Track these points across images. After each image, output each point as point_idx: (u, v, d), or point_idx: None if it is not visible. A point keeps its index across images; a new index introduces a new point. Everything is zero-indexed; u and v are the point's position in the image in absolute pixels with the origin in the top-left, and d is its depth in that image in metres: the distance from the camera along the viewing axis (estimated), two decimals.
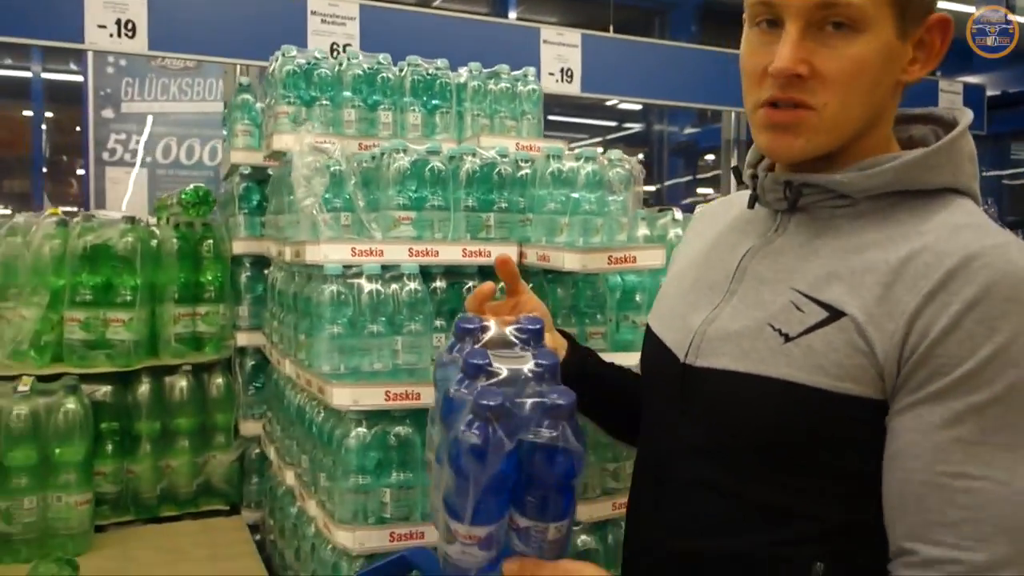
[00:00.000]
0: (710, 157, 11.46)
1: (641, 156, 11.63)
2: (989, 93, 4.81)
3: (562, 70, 3.40)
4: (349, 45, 3.02)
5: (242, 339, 2.48)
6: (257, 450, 2.48)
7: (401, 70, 2.22)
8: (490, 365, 0.88)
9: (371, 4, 3.14)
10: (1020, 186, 6.47)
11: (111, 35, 2.68)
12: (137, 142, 5.77)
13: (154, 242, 2.44)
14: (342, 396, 1.54)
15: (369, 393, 1.54)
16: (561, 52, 3.40)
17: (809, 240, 0.99)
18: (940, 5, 0.99)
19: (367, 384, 1.58)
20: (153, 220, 2.61)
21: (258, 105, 2.53)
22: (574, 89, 3.47)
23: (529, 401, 0.86)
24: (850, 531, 0.91)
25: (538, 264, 1.80)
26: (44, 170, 5.63)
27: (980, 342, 0.82)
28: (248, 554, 2.13)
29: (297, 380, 1.82)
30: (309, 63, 2.12)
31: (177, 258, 2.46)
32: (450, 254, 1.80)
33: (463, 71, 2.29)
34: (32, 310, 2.31)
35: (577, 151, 1.95)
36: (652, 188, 11.82)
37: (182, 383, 2.42)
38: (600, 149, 1.99)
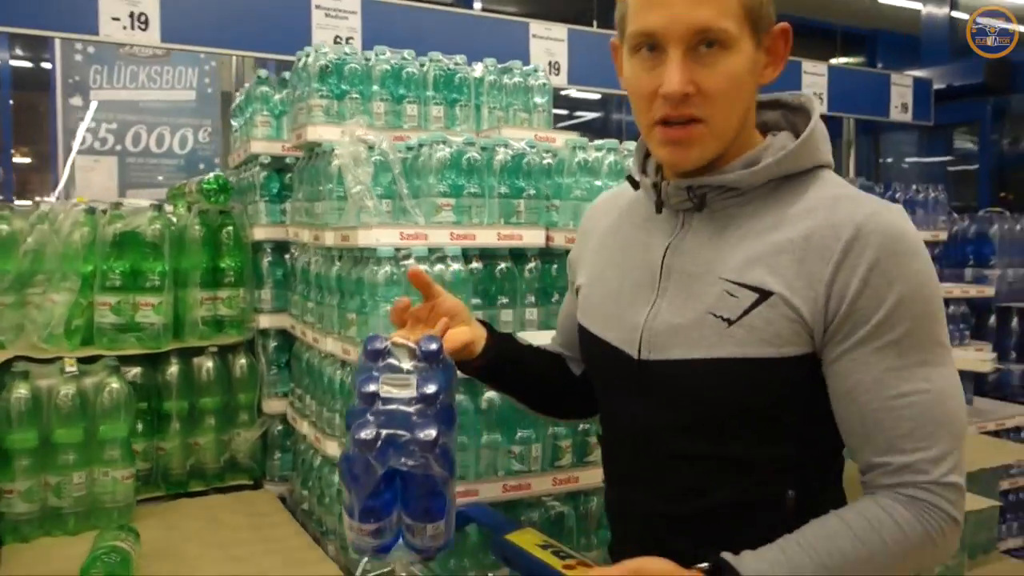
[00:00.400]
0: None
1: None
2: (936, 86, 5.13)
3: (550, 63, 3.56)
4: (351, 39, 3.13)
5: (264, 321, 2.60)
6: (280, 427, 2.60)
7: (423, 65, 2.36)
8: (377, 395, 1.07)
9: None
10: (961, 172, 6.87)
11: (124, 27, 2.75)
12: (107, 130, 5.74)
13: (180, 229, 2.53)
14: None
15: None
16: (549, 46, 3.56)
17: (718, 233, 1.17)
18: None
19: None
20: (170, 208, 2.69)
21: (276, 97, 2.64)
22: (561, 81, 3.64)
23: (403, 433, 1.04)
24: (806, 462, 1.15)
25: (565, 246, 1.97)
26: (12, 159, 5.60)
27: (885, 294, 1.05)
28: (286, 522, 2.26)
29: (345, 355, 1.95)
30: (339, 58, 2.24)
31: (201, 244, 2.56)
32: (486, 237, 1.95)
33: (478, 66, 2.44)
34: (63, 295, 2.38)
35: (597, 143, 2.12)
36: None
37: (208, 364, 2.52)
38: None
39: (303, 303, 2.33)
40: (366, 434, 1.01)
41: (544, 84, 2.48)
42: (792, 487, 1.12)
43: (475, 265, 1.99)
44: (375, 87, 2.26)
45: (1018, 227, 4.30)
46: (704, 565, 1.03)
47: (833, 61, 6.33)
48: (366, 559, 1.41)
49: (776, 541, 1.05)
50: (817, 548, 1.03)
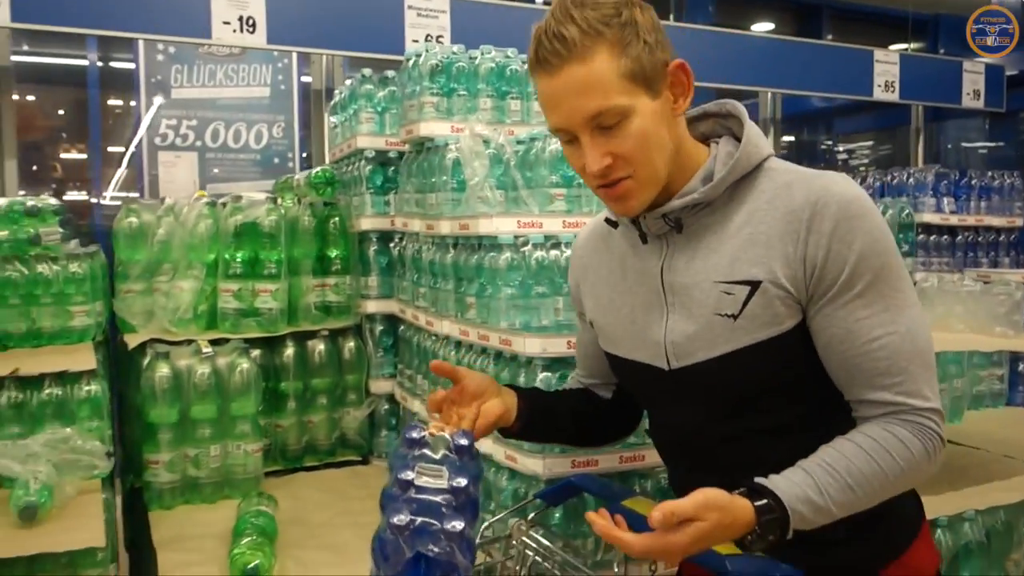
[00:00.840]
0: None
1: None
2: (1008, 72, 5.10)
3: None
4: (441, 37, 3.27)
5: (371, 307, 2.75)
6: (386, 406, 2.76)
7: (524, 63, 2.48)
8: (413, 483, 1.16)
9: None
10: None
11: (234, 31, 2.92)
12: (187, 127, 5.97)
13: (292, 220, 2.70)
14: (533, 345, 1.81)
15: (554, 343, 1.82)
16: None
17: (699, 244, 1.31)
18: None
19: (550, 335, 1.85)
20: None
21: (379, 94, 2.79)
22: None
23: (433, 522, 1.13)
24: (831, 408, 1.29)
25: None
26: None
27: (846, 254, 1.19)
28: None
29: (463, 337, 2.09)
30: (447, 58, 2.37)
31: (311, 234, 2.72)
32: None
33: None
34: (190, 282, 2.57)
35: None
36: None
37: (320, 347, 2.69)
38: None
39: (414, 288, 2.47)
40: (399, 519, 1.11)
41: None
42: (818, 430, 1.26)
43: None
44: (480, 84, 2.39)
45: None
46: (742, 490, 1.16)
47: (893, 47, 6.30)
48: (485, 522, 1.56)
49: (797, 464, 1.20)
50: (837, 468, 1.18)
